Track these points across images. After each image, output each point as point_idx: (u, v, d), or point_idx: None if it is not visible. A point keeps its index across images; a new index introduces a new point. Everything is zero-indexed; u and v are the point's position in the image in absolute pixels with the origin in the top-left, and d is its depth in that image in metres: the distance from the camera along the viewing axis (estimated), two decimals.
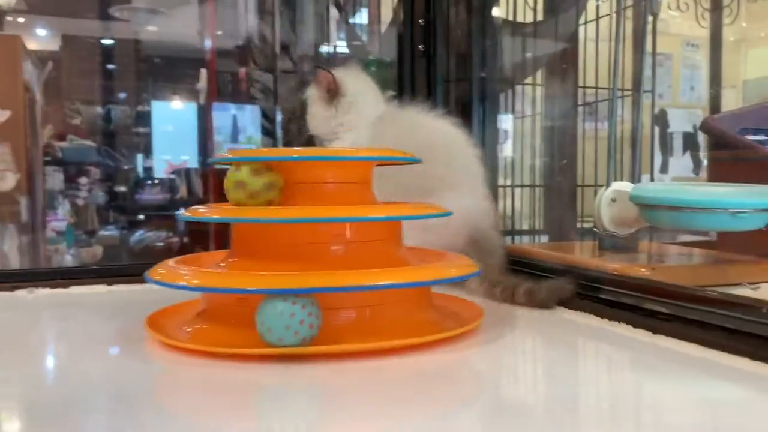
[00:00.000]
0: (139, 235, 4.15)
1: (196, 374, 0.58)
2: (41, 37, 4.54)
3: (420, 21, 1.06)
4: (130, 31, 4.23)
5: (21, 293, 0.89)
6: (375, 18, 1.33)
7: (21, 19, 4.02)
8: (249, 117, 5.98)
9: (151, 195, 4.35)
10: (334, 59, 1.42)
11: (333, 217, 0.65)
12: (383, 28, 1.69)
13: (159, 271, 0.67)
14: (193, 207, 0.70)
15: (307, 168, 0.68)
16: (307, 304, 0.58)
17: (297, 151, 0.71)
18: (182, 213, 0.70)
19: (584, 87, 1.43)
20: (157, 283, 0.65)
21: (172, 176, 4.49)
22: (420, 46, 1.07)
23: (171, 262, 0.71)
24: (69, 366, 0.63)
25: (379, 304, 0.66)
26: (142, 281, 0.93)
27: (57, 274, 0.91)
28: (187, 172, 4.53)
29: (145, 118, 4.69)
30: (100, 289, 0.92)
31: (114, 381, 0.57)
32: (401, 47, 1.09)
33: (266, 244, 0.68)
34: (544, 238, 1.54)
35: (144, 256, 3.96)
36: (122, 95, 4.78)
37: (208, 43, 2.17)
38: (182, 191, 4.39)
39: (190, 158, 5.49)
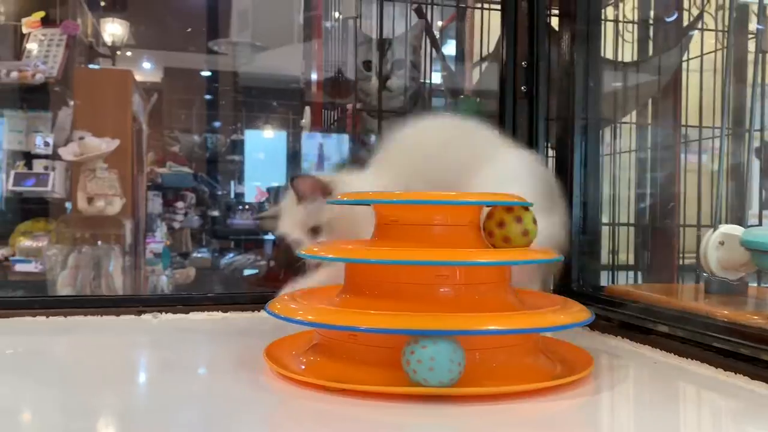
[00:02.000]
0: (229, 257, 4.31)
1: (310, 407, 0.60)
2: (146, 70, 4.85)
3: (523, 63, 1.08)
4: (228, 63, 4.45)
5: (146, 317, 0.96)
6: (469, 54, 1.37)
7: (129, 54, 4.30)
8: (334, 145, 6.15)
9: (241, 219, 4.52)
10: (430, 95, 1.45)
11: (451, 261, 0.66)
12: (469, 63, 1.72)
13: (291, 306, 0.70)
14: (311, 245, 0.74)
15: (418, 210, 0.71)
16: (458, 346, 0.60)
17: (407, 194, 0.74)
18: (301, 251, 0.74)
19: (686, 125, 1.41)
20: (293, 321, 0.67)
21: (262, 201, 4.65)
22: (522, 87, 1.08)
23: (289, 295, 0.74)
24: (189, 390, 0.67)
25: (489, 348, 0.66)
26: (254, 309, 0.99)
27: (178, 300, 0.98)
28: (277, 191, 4.72)
29: (238, 146, 4.88)
30: (216, 315, 0.98)
31: (232, 409, 0.60)
32: (503, 87, 1.11)
33: (381, 283, 0.70)
34: (629, 275, 1.50)
35: (233, 279, 4.11)
36: (217, 124, 5.01)
37: (309, 78, 2.26)
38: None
39: (279, 184, 5.68)
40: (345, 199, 0.76)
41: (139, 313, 0.95)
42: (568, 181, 1.16)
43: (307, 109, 2.15)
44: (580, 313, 0.69)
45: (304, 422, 0.59)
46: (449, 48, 1.79)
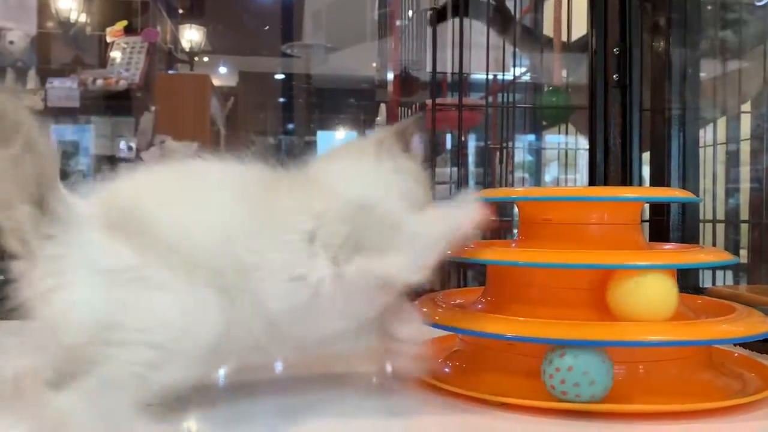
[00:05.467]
0: None
1: (454, 419, 0.57)
2: (222, 75, 4.97)
3: (615, 50, 1.02)
4: (301, 66, 4.50)
5: None
6: (556, 45, 1.30)
7: (206, 59, 4.42)
8: None
9: None
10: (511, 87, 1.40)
11: (617, 264, 0.59)
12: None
13: (437, 311, 0.65)
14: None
15: (574, 207, 0.65)
16: (606, 357, 0.55)
17: (561, 190, 0.69)
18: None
19: None
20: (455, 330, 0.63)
21: None
22: (614, 76, 1.02)
23: (429, 299, 0.70)
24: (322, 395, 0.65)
25: (653, 361, 0.60)
26: None
27: None
28: None
29: (311, 148, 4.93)
30: None
31: (370, 415, 0.58)
32: (593, 77, 1.04)
33: (527, 288, 0.64)
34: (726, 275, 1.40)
35: None
36: (291, 126, 5.08)
37: (384, 76, 2.25)
38: None
39: None
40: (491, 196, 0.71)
41: None
42: (664, 176, 1.09)
43: (383, 106, 2.13)
44: (762, 324, 0.60)
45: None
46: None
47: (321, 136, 5.41)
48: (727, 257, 0.64)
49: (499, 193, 0.70)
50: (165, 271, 0.49)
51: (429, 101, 1.25)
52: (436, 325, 0.63)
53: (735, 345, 0.72)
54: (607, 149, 1.03)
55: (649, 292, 0.57)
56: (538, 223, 0.66)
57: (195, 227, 0.52)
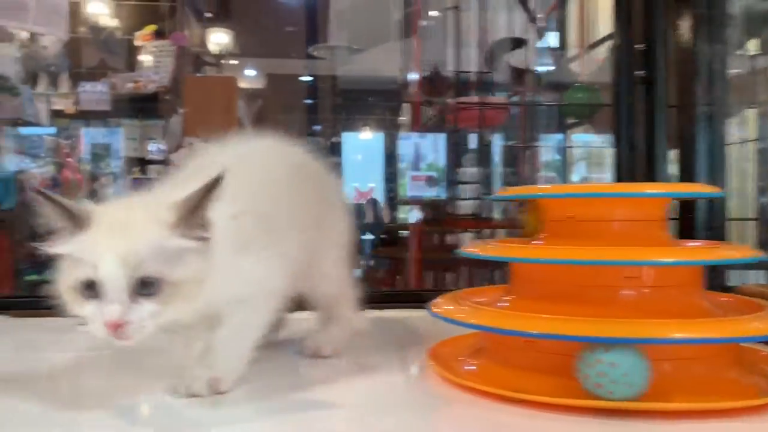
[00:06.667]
0: None
1: (481, 416, 0.57)
2: (249, 77, 5.01)
3: (640, 46, 1.01)
4: (326, 67, 4.51)
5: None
6: (582, 42, 1.30)
7: (233, 62, 4.46)
8: (430, 144, 6.14)
9: None
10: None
11: (645, 261, 0.59)
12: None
13: (461, 309, 0.66)
14: (475, 243, 0.70)
15: (599, 204, 0.65)
16: (643, 356, 0.54)
17: (586, 187, 0.69)
18: (462, 249, 0.70)
19: None
20: (475, 326, 0.64)
21: (361, 202, 4.71)
22: (639, 72, 1.01)
23: (451, 297, 0.71)
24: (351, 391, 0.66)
25: (682, 359, 0.59)
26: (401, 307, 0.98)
27: None
28: (374, 202, 4.80)
29: (337, 149, 4.96)
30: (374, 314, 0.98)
31: (395, 411, 0.59)
32: (618, 73, 1.04)
33: (551, 285, 0.65)
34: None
35: None
36: (317, 127, 5.10)
37: (406, 77, 2.25)
38: (369, 216, 4.58)
39: (376, 185, 5.74)
40: (511, 194, 0.71)
41: None
42: (690, 174, 1.07)
43: (407, 106, 2.13)
44: None
45: (475, 430, 0.55)
46: (553, 38, 1.72)
47: (346, 137, 5.44)
48: (753, 254, 0.64)
49: (523, 191, 0.69)
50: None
51: (454, 100, 1.26)
52: (465, 324, 0.63)
53: (766, 344, 0.71)
54: (633, 146, 1.02)
55: None
56: (562, 221, 0.66)
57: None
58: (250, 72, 4.99)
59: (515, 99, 1.75)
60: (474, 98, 1.61)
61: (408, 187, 4.45)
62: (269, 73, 4.99)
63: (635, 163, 1.03)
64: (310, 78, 5.00)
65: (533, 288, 0.66)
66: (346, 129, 5.20)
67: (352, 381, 0.69)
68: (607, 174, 2.07)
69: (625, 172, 1.03)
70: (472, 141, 2.28)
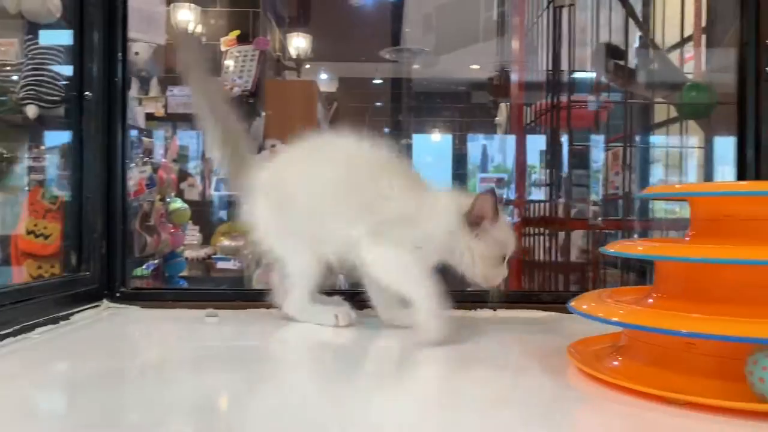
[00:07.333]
0: None
1: (640, 417, 0.56)
2: (323, 80, 5.09)
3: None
4: (400, 70, 4.54)
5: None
6: (698, 40, 1.27)
7: (307, 66, 4.54)
8: (497, 146, 6.09)
9: None
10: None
11: None
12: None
13: (610, 308, 0.66)
14: (623, 242, 0.70)
15: (759, 203, 0.63)
16: None
17: (748, 185, 0.67)
18: (606, 248, 0.70)
19: None
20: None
21: None
22: (767, 68, 0.98)
23: (595, 295, 0.71)
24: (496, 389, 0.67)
25: None
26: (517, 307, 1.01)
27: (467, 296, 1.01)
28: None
29: (408, 151, 4.97)
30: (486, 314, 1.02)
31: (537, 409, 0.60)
32: (743, 70, 1.01)
33: (700, 284, 0.63)
34: None
35: None
36: (387, 130, 5.14)
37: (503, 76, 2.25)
38: None
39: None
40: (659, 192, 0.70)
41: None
42: None
43: (503, 105, 2.12)
44: None
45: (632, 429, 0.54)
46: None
47: (417, 138, 5.45)
48: None
49: (671, 188, 0.69)
50: (291, 225, 0.89)
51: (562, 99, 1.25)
52: (623, 324, 0.63)
53: None
54: (759, 144, 1.00)
55: None
56: (717, 220, 0.65)
57: (308, 195, 0.87)
58: (323, 75, 5.07)
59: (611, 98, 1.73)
60: (586, 97, 1.60)
61: (477, 189, 4.41)
62: (341, 76, 5.05)
63: (760, 163, 1.00)
64: (381, 81, 5.04)
65: (685, 288, 0.65)
66: (418, 131, 5.21)
67: (493, 377, 0.70)
68: (689, 176, 2.01)
69: (750, 172, 1.00)
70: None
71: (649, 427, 0.54)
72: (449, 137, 6.08)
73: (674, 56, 1.69)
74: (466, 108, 5.75)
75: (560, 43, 1.39)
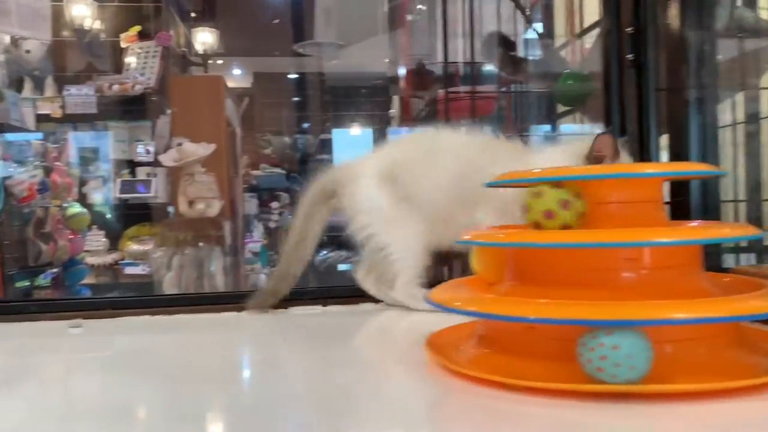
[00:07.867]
0: (323, 255, 4.37)
1: (482, 404, 0.56)
2: (236, 76, 4.99)
3: (628, 29, 1.00)
4: (314, 65, 4.50)
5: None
6: (572, 29, 1.29)
7: (219, 61, 4.43)
8: None
9: (334, 217, 4.57)
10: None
11: (645, 241, 0.59)
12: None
13: (457, 297, 0.66)
14: (479, 232, 0.69)
15: (592, 187, 0.64)
16: (646, 338, 0.54)
17: (583, 169, 0.68)
18: (465, 237, 0.68)
19: None
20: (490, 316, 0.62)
21: None
22: (629, 56, 1.01)
23: (447, 286, 0.70)
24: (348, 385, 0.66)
25: (683, 340, 0.59)
26: (349, 303, 0.99)
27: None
28: None
29: (327, 145, 4.94)
30: (316, 309, 0.99)
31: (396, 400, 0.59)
32: (607, 58, 1.03)
33: (549, 269, 0.64)
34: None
35: (327, 275, 4.16)
36: (306, 125, 5.08)
37: (395, 70, 2.24)
38: None
39: None
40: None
41: (240, 309, 0.96)
42: (682, 157, 1.07)
43: (395, 99, 2.12)
44: None
45: (478, 419, 0.54)
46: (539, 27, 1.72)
47: (336, 133, 5.42)
48: (752, 231, 0.63)
49: (518, 175, 0.69)
50: (403, 212, 0.96)
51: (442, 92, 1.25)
52: (463, 312, 0.63)
53: (766, 322, 0.71)
54: (624, 130, 1.02)
55: None
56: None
57: (424, 184, 0.96)
58: (236, 71, 4.96)
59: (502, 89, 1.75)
60: (463, 89, 1.61)
61: None
62: (255, 71, 4.96)
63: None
64: (297, 75, 4.98)
65: (532, 274, 0.66)
66: (336, 125, 5.18)
67: (358, 370, 0.68)
68: None
69: None
70: None
71: (496, 414, 0.54)
72: (369, 131, 6.06)
73: (578, 46, 1.73)
74: (384, 101, 5.75)
75: (447, 34, 1.39)
